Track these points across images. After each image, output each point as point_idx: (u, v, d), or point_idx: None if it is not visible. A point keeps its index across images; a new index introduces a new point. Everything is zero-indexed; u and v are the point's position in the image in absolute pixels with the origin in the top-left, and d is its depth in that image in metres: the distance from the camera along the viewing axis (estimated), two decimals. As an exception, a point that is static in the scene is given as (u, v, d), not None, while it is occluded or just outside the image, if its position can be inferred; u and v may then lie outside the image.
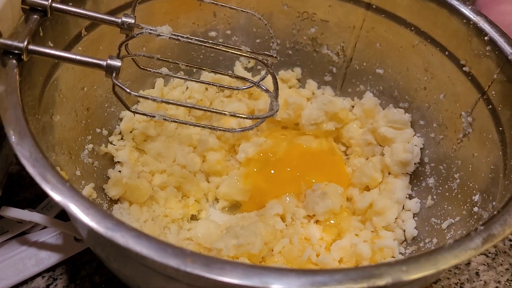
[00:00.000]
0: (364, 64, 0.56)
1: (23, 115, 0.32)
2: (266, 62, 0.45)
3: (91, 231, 0.27)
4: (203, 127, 0.48)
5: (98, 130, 0.50)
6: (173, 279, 0.29)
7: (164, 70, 0.55)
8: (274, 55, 0.44)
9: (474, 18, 0.45)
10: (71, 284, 0.46)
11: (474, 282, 0.49)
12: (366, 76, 0.57)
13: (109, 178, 0.49)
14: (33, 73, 0.37)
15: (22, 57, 0.35)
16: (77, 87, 0.46)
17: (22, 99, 0.33)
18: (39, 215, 0.45)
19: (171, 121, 0.43)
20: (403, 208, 0.51)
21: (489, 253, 0.52)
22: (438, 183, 0.49)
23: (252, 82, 0.45)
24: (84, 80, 0.47)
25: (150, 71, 0.48)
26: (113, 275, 0.46)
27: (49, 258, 0.47)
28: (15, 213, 0.44)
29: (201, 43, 0.41)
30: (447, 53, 0.48)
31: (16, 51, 0.34)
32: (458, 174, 0.46)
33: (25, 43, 0.35)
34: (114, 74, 0.36)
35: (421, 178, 0.51)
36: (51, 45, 0.40)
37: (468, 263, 0.51)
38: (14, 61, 0.34)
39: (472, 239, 0.28)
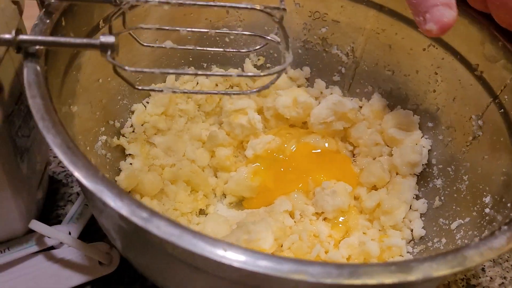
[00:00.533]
0: (373, 65, 0.57)
1: (51, 104, 0.32)
2: (274, 16, 0.38)
3: (123, 221, 0.27)
4: (215, 93, 0.46)
5: (111, 122, 0.50)
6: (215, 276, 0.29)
7: (168, 43, 0.54)
8: (282, 7, 0.38)
9: (487, 23, 0.46)
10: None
11: (480, 278, 0.50)
12: (375, 77, 0.58)
13: (121, 171, 0.49)
14: (57, 62, 0.37)
15: (13, 49, 0.33)
16: (93, 78, 0.46)
17: (48, 88, 0.33)
18: (63, 235, 0.45)
19: (180, 92, 0.41)
20: (410, 208, 0.51)
21: None
22: (446, 185, 0.50)
23: (261, 36, 0.41)
24: (100, 72, 0.47)
25: (153, 46, 0.48)
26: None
27: (71, 279, 0.45)
28: (42, 228, 0.44)
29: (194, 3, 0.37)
30: (458, 56, 0.49)
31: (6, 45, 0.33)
32: (466, 176, 0.47)
33: (12, 34, 0.32)
34: (109, 52, 0.33)
35: (428, 179, 0.52)
36: (72, 35, 0.40)
37: None
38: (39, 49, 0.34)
39: (496, 238, 0.29)
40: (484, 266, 0.51)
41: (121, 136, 0.51)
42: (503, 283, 0.50)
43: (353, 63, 0.58)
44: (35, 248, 0.46)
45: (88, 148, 0.44)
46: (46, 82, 0.33)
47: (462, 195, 0.47)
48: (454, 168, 0.49)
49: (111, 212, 0.30)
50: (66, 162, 0.28)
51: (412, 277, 0.26)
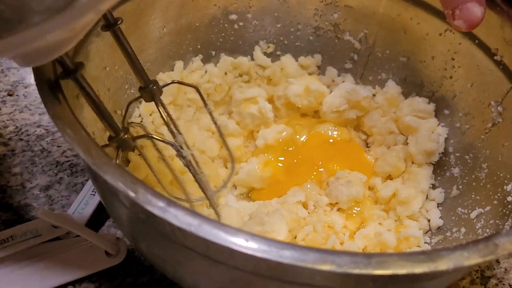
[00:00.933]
0: (387, 51, 0.56)
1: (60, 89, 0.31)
2: None
3: (139, 210, 0.26)
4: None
5: (118, 112, 0.49)
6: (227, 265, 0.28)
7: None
8: None
9: (507, 6, 0.44)
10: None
11: (494, 269, 0.49)
12: (389, 64, 0.56)
13: (130, 161, 0.48)
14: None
15: None
16: (100, 66, 0.45)
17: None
18: (71, 222, 0.43)
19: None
20: (427, 198, 0.50)
21: None
22: (464, 173, 0.48)
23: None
24: (107, 60, 0.45)
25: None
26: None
27: (77, 270, 0.44)
28: (48, 216, 0.42)
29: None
30: (477, 41, 0.47)
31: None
32: (486, 164, 0.46)
33: None
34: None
35: (445, 168, 0.51)
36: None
37: None
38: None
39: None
40: (499, 257, 0.50)
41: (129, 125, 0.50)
42: (518, 274, 0.49)
43: (366, 50, 0.57)
44: (40, 239, 0.45)
45: (96, 138, 0.43)
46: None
47: (481, 184, 0.45)
48: (472, 156, 0.48)
49: (126, 201, 0.29)
50: (78, 150, 0.27)
51: (443, 266, 0.25)
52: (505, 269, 0.49)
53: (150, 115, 0.52)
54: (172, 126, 0.44)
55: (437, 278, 0.31)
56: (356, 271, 0.24)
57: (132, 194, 0.25)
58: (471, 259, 0.25)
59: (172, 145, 0.41)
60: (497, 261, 0.50)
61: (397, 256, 0.25)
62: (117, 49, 0.40)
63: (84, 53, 0.41)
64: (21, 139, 0.56)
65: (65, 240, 0.46)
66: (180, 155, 0.42)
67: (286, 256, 0.24)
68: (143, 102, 0.52)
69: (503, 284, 0.48)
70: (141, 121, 0.51)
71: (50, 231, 0.45)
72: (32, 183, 0.52)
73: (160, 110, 0.43)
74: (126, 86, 0.50)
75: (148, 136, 0.40)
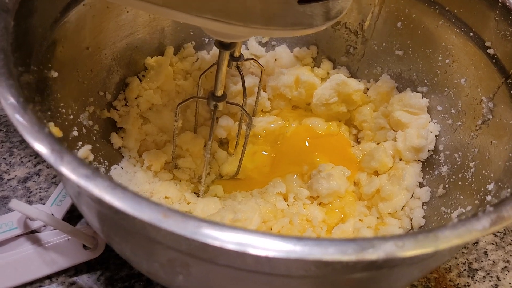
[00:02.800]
0: (383, 44, 0.54)
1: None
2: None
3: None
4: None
5: (101, 93, 0.49)
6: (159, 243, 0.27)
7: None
8: None
9: (502, -3, 0.42)
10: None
11: (482, 261, 0.47)
12: (385, 58, 0.54)
13: (112, 143, 0.48)
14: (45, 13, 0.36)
15: None
16: (81, 46, 0.45)
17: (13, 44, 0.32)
18: (46, 214, 0.41)
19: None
20: (412, 196, 0.48)
21: (498, 232, 0.50)
22: (451, 172, 0.46)
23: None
24: (89, 40, 0.45)
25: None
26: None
27: (54, 264, 0.43)
28: (22, 208, 0.41)
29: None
30: (471, 34, 0.45)
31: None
32: (473, 162, 0.44)
33: None
34: None
35: (434, 166, 0.48)
36: None
37: (476, 243, 0.49)
38: None
39: (479, 220, 0.26)
40: (487, 249, 0.48)
41: (112, 109, 0.50)
42: (506, 267, 0.47)
43: (362, 43, 0.55)
44: (15, 232, 0.43)
45: (71, 116, 0.43)
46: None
47: (467, 183, 0.43)
48: (462, 154, 0.46)
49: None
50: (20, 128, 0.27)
51: (373, 255, 0.23)
52: (493, 262, 0.47)
53: (136, 98, 0.51)
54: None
55: (399, 266, 0.29)
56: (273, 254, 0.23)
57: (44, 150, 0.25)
58: (406, 249, 0.24)
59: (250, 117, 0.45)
60: (485, 253, 0.48)
61: (326, 242, 0.24)
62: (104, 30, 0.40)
63: (63, 26, 0.41)
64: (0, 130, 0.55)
65: (42, 233, 0.44)
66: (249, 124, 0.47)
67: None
68: (129, 86, 0.52)
69: (491, 276, 0.46)
70: (126, 104, 0.51)
71: (26, 224, 0.44)
72: (10, 175, 0.51)
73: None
74: (112, 69, 0.50)
75: (240, 106, 0.45)
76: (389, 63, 0.54)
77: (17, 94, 0.28)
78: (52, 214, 0.45)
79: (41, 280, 0.43)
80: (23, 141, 0.54)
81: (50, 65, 0.39)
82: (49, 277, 0.44)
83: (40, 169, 0.52)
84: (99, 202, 0.25)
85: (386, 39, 0.53)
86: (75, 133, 0.43)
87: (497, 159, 0.40)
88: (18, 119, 0.26)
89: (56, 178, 0.51)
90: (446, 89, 0.49)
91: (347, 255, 0.23)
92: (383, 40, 0.53)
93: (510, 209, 0.27)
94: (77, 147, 0.43)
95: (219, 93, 0.42)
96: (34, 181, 0.51)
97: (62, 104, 0.41)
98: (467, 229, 0.25)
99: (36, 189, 0.50)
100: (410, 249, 0.24)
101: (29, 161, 0.52)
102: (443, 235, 0.25)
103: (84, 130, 0.45)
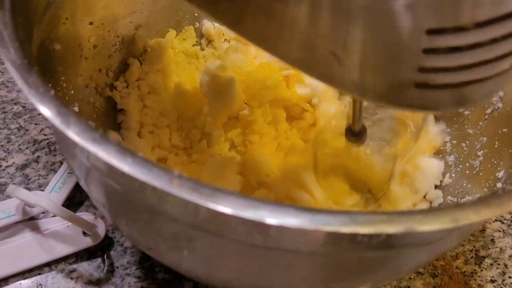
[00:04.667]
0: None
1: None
2: None
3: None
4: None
5: (103, 71, 0.47)
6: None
7: None
8: None
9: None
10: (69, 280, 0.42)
11: (489, 249, 0.46)
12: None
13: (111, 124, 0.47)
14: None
15: None
16: (84, 20, 0.43)
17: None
18: (45, 200, 0.40)
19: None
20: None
21: (505, 219, 0.49)
22: (458, 161, 0.45)
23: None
24: (93, 15, 0.44)
25: None
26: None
27: (53, 251, 0.42)
28: (21, 194, 0.40)
29: None
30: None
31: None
32: (481, 151, 0.43)
33: None
34: None
35: (440, 155, 0.48)
36: None
37: (483, 230, 0.48)
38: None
39: (498, 197, 0.25)
40: (494, 236, 0.47)
41: (114, 89, 0.49)
42: (513, 253, 0.46)
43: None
44: (14, 218, 0.42)
45: (72, 91, 0.42)
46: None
47: (474, 172, 0.43)
48: (469, 144, 0.45)
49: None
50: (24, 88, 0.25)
51: (392, 229, 0.22)
52: (501, 249, 0.46)
53: (136, 80, 0.50)
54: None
55: (409, 246, 0.28)
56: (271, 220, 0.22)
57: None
58: (425, 224, 0.23)
59: None
60: (492, 240, 0.47)
61: (343, 214, 0.23)
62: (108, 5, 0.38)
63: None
64: (-3, 117, 0.54)
65: (41, 220, 0.43)
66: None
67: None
68: (130, 67, 0.50)
69: (498, 264, 0.45)
70: (127, 86, 0.50)
71: (24, 210, 0.43)
72: (8, 162, 0.49)
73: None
74: (114, 47, 0.49)
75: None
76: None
77: (22, 55, 0.27)
78: (51, 201, 0.44)
79: (40, 267, 0.42)
80: (20, 128, 0.53)
81: (52, 36, 0.38)
82: (48, 264, 0.42)
83: (38, 156, 0.50)
84: (108, 169, 0.24)
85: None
86: (76, 108, 0.42)
87: (507, 147, 0.40)
88: (24, 80, 0.25)
89: (55, 165, 0.50)
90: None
91: (365, 227, 0.22)
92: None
93: (531, 188, 0.26)
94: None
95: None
96: (32, 168, 0.49)
97: (63, 78, 0.40)
98: (486, 206, 0.24)
99: (35, 176, 0.49)
100: (430, 224, 0.23)
101: (27, 148, 0.51)
102: (462, 211, 0.24)
103: (85, 107, 0.44)
